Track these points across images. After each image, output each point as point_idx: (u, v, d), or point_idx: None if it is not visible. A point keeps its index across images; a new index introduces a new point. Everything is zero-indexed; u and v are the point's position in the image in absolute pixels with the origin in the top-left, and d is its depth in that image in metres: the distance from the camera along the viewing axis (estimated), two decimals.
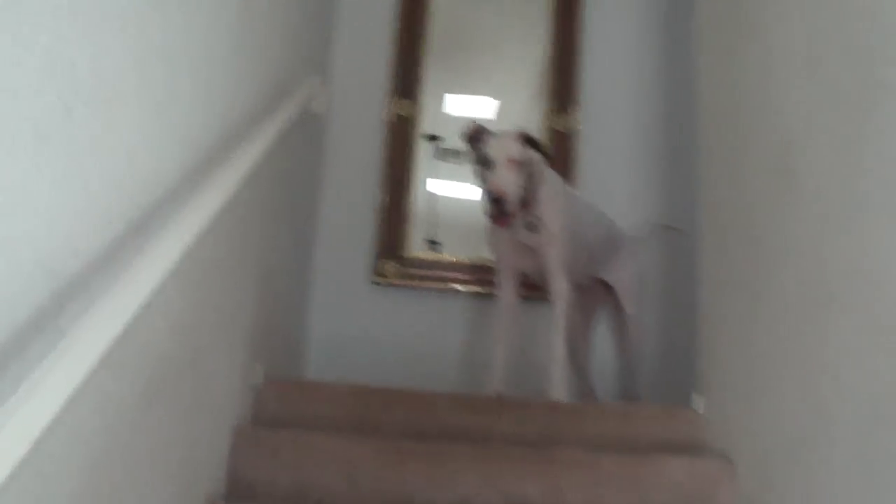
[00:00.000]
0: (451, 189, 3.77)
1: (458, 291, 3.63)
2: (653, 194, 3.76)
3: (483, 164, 2.69)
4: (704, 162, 2.65)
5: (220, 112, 1.83)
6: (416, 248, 3.66)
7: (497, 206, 2.61)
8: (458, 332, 3.62)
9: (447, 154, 3.74)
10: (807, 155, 1.90)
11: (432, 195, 3.74)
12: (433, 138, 3.75)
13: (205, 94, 1.70)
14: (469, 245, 3.62)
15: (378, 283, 3.62)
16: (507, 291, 2.91)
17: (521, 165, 2.68)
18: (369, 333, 3.57)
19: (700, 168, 2.68)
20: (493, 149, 2.68)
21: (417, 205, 3.70)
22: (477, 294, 3.61)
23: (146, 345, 1.41)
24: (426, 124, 3.77)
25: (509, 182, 2.64)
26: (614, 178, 3.78)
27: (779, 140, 2.06)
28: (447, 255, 3.66)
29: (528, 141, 2.73)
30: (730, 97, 2.46)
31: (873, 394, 1.56)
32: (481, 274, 3.57)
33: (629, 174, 3.80)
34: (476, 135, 2.76)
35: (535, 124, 3.77)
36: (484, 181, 2.69)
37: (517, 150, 2.68)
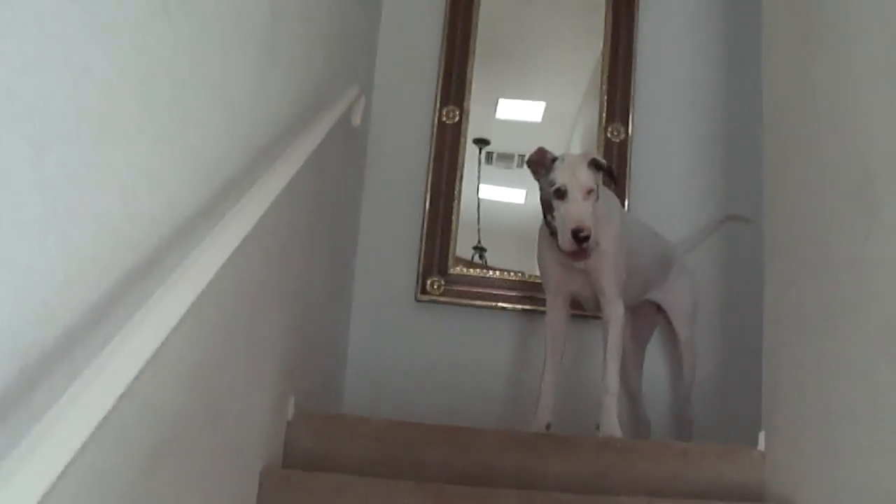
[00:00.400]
0: (498, 193, 3.62)
1: (504, 309, 3.44)
2: (710, 206, 3.52)
3: (555, 195, 2.49)
4: (770, 180, 2.42)
5: (244, 133, 1.65)
6: (462, 262, 3.49)
7: (578, 241, 2.41)
8: (505, 352, 3.43)
9: (496, 158, 3.57)
10: (890, 187, 1.68)
11: (479, 201, 3.56)
12: (482, 142, 3.58)
13: (224, 114, 1.52)
14: (514, 252, 3.46)
15: (422, 301, 3.44)
16: (557, 316, 2.71)
17: (594, 193, 2.49)
18: (412, 353, 3.40)
19: (765, 186, 2.45)
20: (565, 176, 2.45)
21: (464, 214, 3.53)
22: (524, 311, 3.42)
23: (154, 404, 1.24)
24: (474, 129, 3.59)
25: (588, 214, 2.42)
26: (669, 189, 3.55)
27: (858, 166, 1.82)
28: (493, 273, 3.48)
29: (595, 164, 2.54)
30: (800, 112, 2.22)
31: None
32: (528, 290, 3.39)
33: (685, 185, 3.57)
34: (541, 161, 2.55)
35: (584, 129, 3.60)
36: (557, 212, 2.47)
37: (590, 177, 2.47)
